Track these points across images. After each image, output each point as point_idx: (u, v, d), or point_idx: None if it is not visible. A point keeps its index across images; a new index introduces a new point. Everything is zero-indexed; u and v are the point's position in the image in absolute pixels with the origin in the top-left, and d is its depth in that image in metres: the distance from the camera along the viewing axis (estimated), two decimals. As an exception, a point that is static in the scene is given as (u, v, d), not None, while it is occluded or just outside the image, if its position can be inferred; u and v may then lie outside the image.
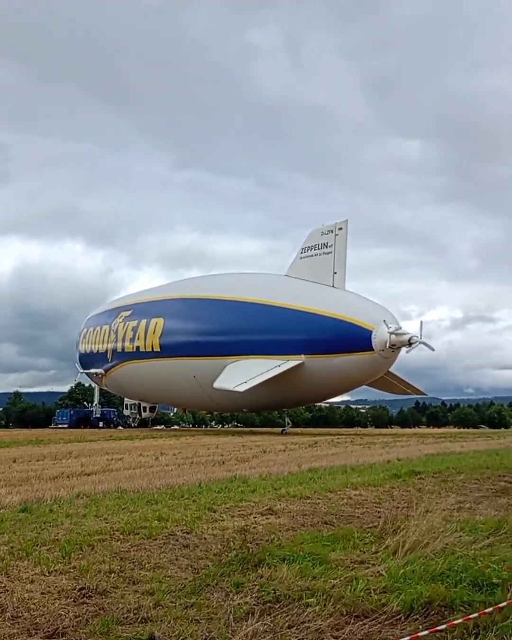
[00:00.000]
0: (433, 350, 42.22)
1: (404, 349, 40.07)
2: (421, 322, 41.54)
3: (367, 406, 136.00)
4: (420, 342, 39.56)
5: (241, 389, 40.20)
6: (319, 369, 40.90)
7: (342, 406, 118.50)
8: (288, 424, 49.71)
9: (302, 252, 45.62)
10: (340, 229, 42.91)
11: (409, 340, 39.08)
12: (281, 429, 50.38)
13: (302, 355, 40.87)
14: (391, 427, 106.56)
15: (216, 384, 43.11)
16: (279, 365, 40.81)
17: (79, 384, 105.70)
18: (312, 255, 44.38)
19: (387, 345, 38.48)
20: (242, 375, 41.22)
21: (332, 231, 43.14)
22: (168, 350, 49.63)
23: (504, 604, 5.02)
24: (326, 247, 43.31)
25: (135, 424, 67.13)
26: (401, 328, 39.35)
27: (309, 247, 44.91)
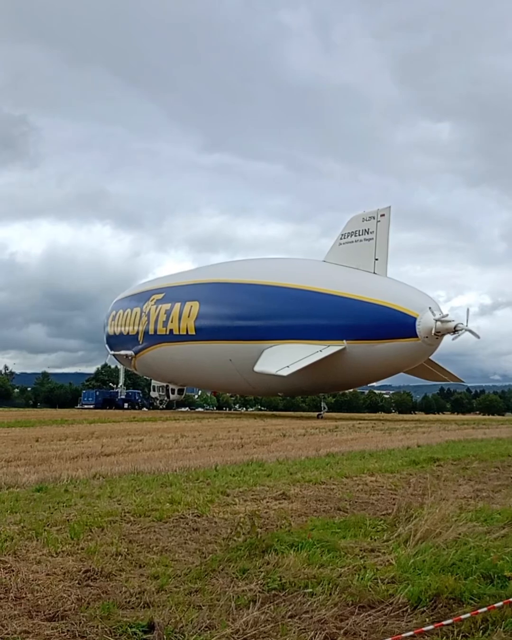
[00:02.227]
0: (479, 337, 41.96)
1: (449, 337, 40.00)
2: (468, 309, 41.63)
3: (391, 392, 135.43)
4: (466, 330, 39.37)
5: (285, 373, 40.51)
6: (361, 354, 40.93)
7: (366, 391, 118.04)
8: (324, 408, 49.93)
9: (341, 238, 45.50)
10: (382, 215, 42.88)
11: (454, 328, 39.05)
12: (317, 413, 50.52)
13: (344, 341, 40.82)
14: (415, 413, 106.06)
15: (257, 368, 43.30)
16: (320, 351, 40.89)
17: (105, 366, 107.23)
18: (352, 242, 44.33)
19: (433, 332, 38.46)
20: (283, 359, 41.43)
21: (373, 217, 43.13)
22: (203, 333, 49.82)
23: (515, 598, 4.85)
24: (367, 233, 43.23)
25: (163, 406, 67.75)
26: (447, 315, 39.32)
27: (349, 233, 44.78)
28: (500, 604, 4.76)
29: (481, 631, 4.45)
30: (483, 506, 8.92)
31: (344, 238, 45.08)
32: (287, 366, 40.52)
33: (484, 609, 4.67)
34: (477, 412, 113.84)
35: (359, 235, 43.73)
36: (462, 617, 4.52)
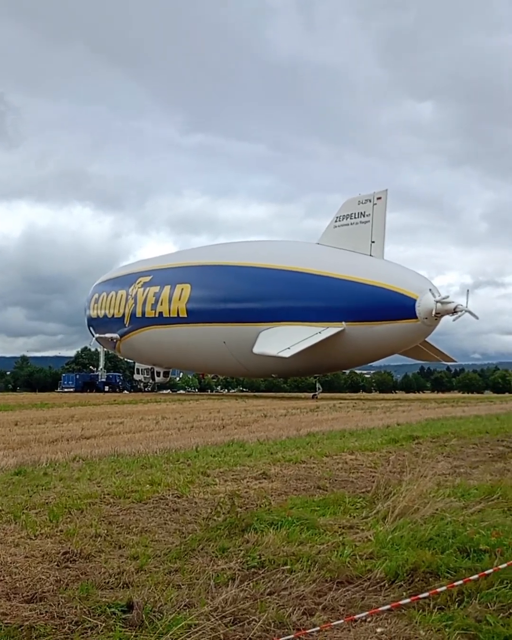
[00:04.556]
0: (478, 318, 42.63)
1: (449, 317, 40.57)
2: (468, 290, 42.55)
3: (371, 371, 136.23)
4: (466, 311, 39.98)
5: (286, 354, 40.80)
6: (360, 336, 41.37)
7: (347, 371, 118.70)
8: (319, 389, 50.24)
9: (336, 221, 45.74)
10: (378, 198, 43.24)
11: (454, 309, 39.58)
12: (312, 394, 50.79)
13: (343, 323, 41.09)
14: (395, 392, 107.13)
15: (256, 349, 43.40)
16: (319, 332, 41.18)
17: (85, 349, 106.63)
18: (348, 224, 44.56)
19: (433, 313, 39.08)
20: (283, 341, 41.67)
21: (369, 200, 43.48)
22: (195, 316, 49.61)
23: (490, 571, 4.93)
24: (363, 216, 43.54)
25: (149, 388, 67.58)
26: (447, 297, 39.98)
27: (344, 216, 45.03)
28: (476, 577, 4.83)
29: (457, 603, 4.51)
30: (460, 482, 9.05)
31: (339, 221, 45.35)
32: (288, 348, 40.85)
33: (460, 582, 4.74)
34: (457, 390, 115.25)
35: (355, 218, 44.08)
36: (439, 590, 4.58)
